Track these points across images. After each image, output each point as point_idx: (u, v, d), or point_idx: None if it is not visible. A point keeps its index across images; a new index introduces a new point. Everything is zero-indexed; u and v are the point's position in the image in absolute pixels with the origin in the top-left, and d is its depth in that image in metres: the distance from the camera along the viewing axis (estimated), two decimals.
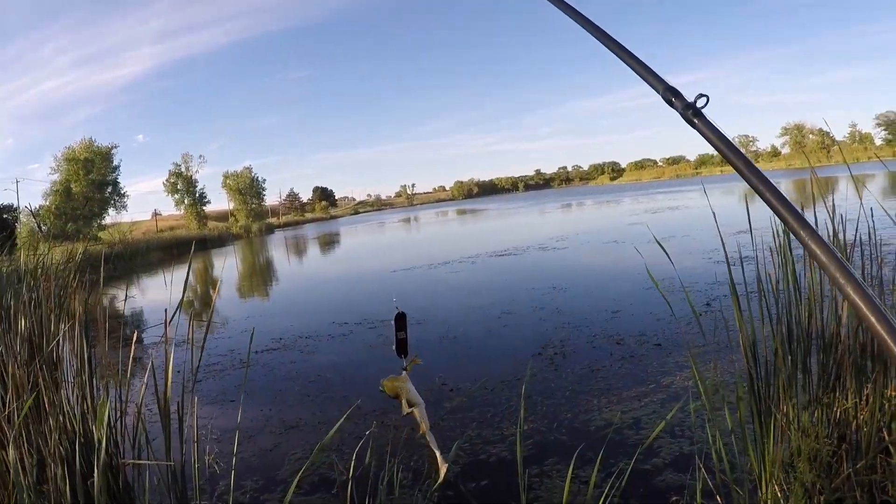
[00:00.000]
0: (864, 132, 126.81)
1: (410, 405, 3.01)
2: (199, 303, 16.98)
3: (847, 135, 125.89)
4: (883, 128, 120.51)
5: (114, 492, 3.42)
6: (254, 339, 11.30)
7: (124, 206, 70.58)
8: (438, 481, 2.80)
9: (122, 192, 69.96)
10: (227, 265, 36.05)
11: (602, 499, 3.32)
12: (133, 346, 3.62)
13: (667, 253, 3.60)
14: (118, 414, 3.63)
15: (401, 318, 3.07)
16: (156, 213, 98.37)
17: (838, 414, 3.63)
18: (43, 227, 57.50)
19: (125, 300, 18.07)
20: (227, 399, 7.95)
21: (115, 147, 68.80)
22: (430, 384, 7.81)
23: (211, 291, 21.00)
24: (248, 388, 8.43)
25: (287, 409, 7.41)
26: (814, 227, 0.93)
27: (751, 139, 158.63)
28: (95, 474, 2.83)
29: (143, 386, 3.56)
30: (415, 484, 4.96)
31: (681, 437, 5.36)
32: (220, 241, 62.76)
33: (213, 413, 7.36)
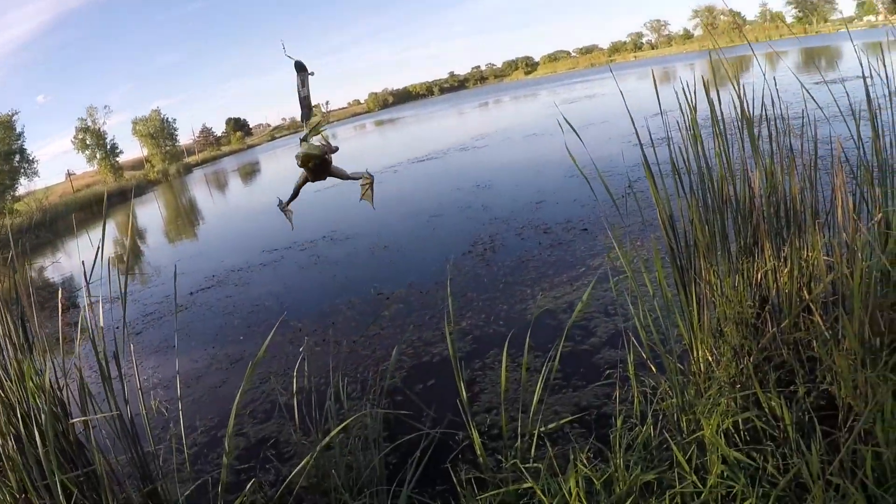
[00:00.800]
0: (774, 11, 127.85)
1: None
2: (129, 255, 16.63)
3: (758, 14, 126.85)
4: (793, 5, 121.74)
5: (69, 454, 3.42)
6: (188, 280, 11.21)
7: (35, 173, 67.50)
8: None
9: (31, 158, 66.89)
10: (151, 212, 35.30)
11: (541, 380, 3.43)
12: (61, 312, 3.56)
13: (581, 140, 3.64)
14: (62, 379, 3.60)
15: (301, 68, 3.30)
16: (69, 174, 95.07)
17: (759, 278, 3.78)
18: None
19: (51, 264, 17.64)
20: (170, 346, 7.89)
21: (16, 113, 65.55)
22: (365, 295, 7.87)
23: (139, 242, 20.55)
24: (190, 329, 8.37)
25: (230, 344, 7.41)
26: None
27: (662, 23, 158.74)
28: (47, 440, 2.82)
29: (83, 348, 3.53)
30: (363, 393, 5.05)
31: (614, 316, 5.54)
32: (140, 189, 61.04)
33: (159, 361, 7.33)
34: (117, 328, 3.67)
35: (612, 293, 5.91)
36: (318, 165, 4.80)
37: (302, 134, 4.15)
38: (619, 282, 5.70)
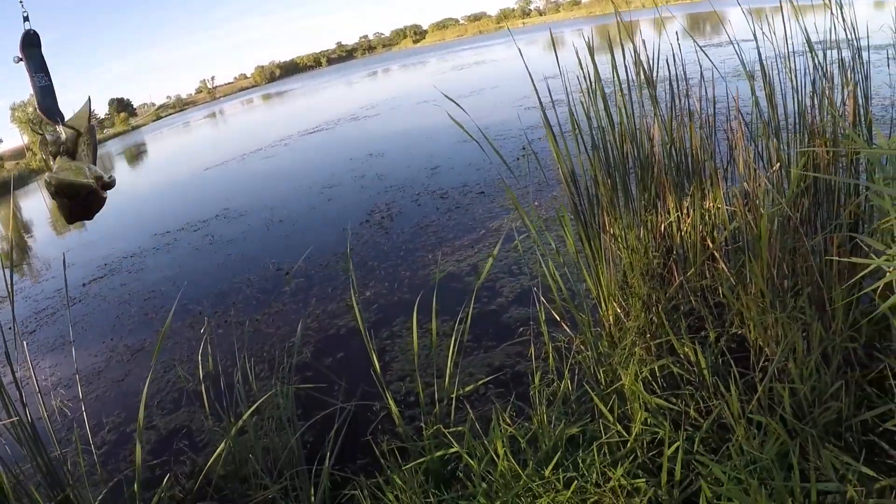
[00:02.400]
0: None
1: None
2: (16, 251, 15.78)
3: None
4: None
5: None
6: (81, 270, 10.77)
7: None
8: None
9: None
10: (36, 203, 33.84)
11: (452, 345, 3.38)
12: None
13: (462, 108, 3.59)
14: None
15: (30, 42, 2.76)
16: None
17: (663, 229, 3.83)
18: None
19: None
20: (66, 342, 7.52)
21: None
22: (264, 272, 7.71)
23: (24, 235, 19.63)
24: (86, 322, 7.99)
25: (129, 335, 7.11)
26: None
27: None
28: None
29: None
30: (272, 373, 4.92)
31: (519, 275, 5.56)
32: (22, 179, 58.60)
33: (56, 360, 6.98)
34: (8, 328, 3.46)
35: (514, 253, 5.93)
36: (83, 202, 2.88)
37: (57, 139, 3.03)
38: (523, 241, 5.70)
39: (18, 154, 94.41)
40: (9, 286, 3.18)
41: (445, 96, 3.69)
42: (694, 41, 3.94)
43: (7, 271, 3.25)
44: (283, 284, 7.07)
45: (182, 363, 5.66)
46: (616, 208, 3.77)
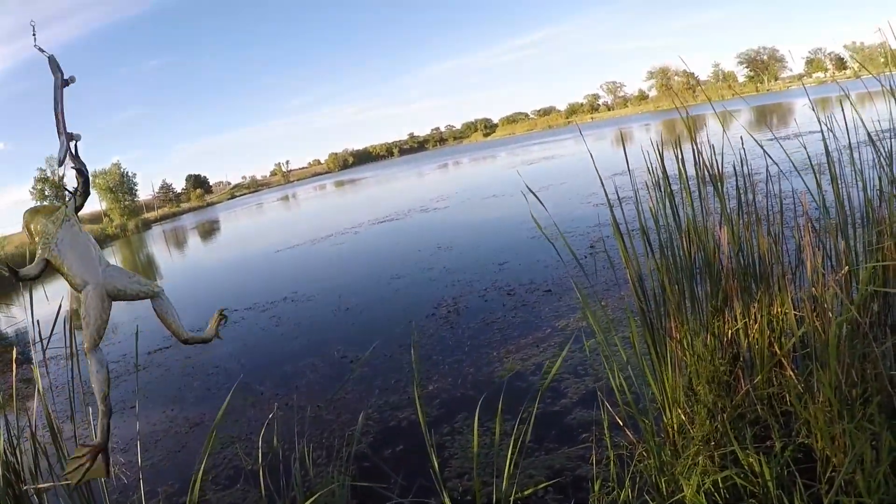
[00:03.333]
0: (727, 71, 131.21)
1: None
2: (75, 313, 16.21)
3: (711, 74, 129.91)
4: (745, 65, 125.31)
5: None
6: (147, 338, 10.94)
7: None
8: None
9: None
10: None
11: (513, 445, 3.35)
12: (14, 369, 3.44)
13: (540, 200, 3.63)
14: (14, 441, 3.46)
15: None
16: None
17: (730, 335, 3.78)
18: None
19: (5, 316, 17.26)
20: (126, 406, 7.67)
21: None
22: (329, 358, 7.76)
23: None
24: (148, 390, 8.14)
25: (189, 407, 7.22)
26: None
27: (618, 85, 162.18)
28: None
29: (35, 407, 3.40)
30: (329, 460, 4.92)
31: (584, 376, 5.50)
32: (98, 244, 60.43)
33: (114, 423, 7.06)
34: (64, 387, 3.55)
35: (580, 354, 5.88)
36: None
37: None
38: (589, 342, 5.67)
39: (96, 218, 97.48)
40: (72, 348, 3.27)
41: (529, 188, 3.73)
42: (755, 140, 3.94)
43: (75, 336, 3.35)
44: (347, 373, 7.10)
45: (240, 441, 5.70)
46: (683, 313, 3.74)
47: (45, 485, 3.24)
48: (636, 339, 3.61)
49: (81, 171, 2.91)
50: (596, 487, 3.13)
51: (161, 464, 5.76)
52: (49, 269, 3.08)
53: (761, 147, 3.86)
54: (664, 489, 3.13)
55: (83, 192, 2.98)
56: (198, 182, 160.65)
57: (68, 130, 2.80)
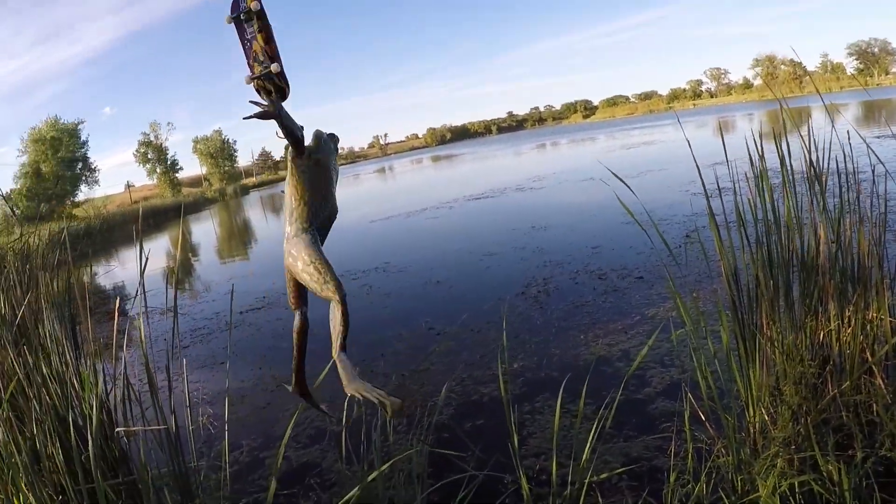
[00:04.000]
0: (835, 62, 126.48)
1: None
2: (181, 269, 16.89)
3: (819, 65, 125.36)
4: (854, 57, 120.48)
5: (111, 462, 3.45)
6: (238, 299, 11.29)
7: (96, 182, 69.85)
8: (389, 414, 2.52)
9: (93, 167, 69.25)
10: (206, 230, 35.85)
11: (593, 430, 3.37)
12: (116, 319, 3.61)
13: (632, 190, 3.60)
14: (108, 386, 3.64)
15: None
16: (129, 185, 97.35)
17: (821, 337, 3.70)
18: (16, 211, 56.88)
19: (105, 273, 18.01)
20: (216, 362, 7.96)
21: (82, 123, 67.87)
22: (416, 330, 7.88)
23: (191, 257, 20.89)
24: (237, 348, 8.43)
25: (277, 367, 7.43)
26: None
27: (722, 71, 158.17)
28: (90, 445, 2.83)
29: (130, 356, 3.58)
30: (409, 429, 5.02)
31: (670, 367, 5.46)
32: (196, 206, 62.19)
33: (204, 377, 7.39)
34: (165, 339, 3.71)
35: (667, 344, 5.84)
36: None
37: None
38: (678, 333, 5.62)
39: (196, 182, 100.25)
40: (173, 301, 3.41)
41: (614, 175, 3.73)
42: (861, 137, 3.84)
43: (173, 289, 3.48)
44: (433, 344, 7.21)
45: (324, 404, 5.85)
46: (775, 310, 3.69)
47: (135, 428, 3.41)
48: (725, 333, 3.57)
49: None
50: (671, 479, 3.13)
51: (246, 418, 5.98)
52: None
53: (867, 144, 3.76)
54: (739, 488, 3.12)
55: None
56: None
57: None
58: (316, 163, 2.96)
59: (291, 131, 2.79)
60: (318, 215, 3.11)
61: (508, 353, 6.43)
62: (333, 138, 3.15)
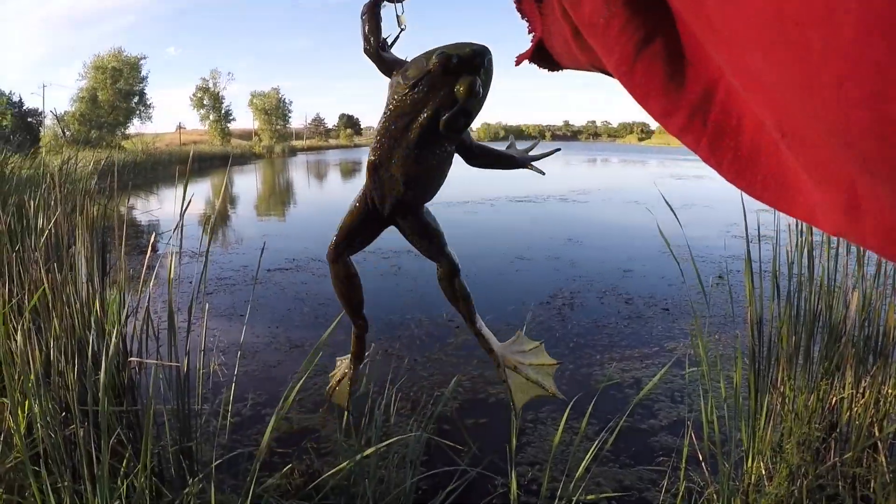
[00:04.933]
0: None
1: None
2: (217, 217, 17.15)
3: None
4: None
5: (118, 389, 3.54)
6: (268, 258, 11.43)
7: (149, 118, 71.17)
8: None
9: (148, 103, 70.49)
10: (248, 183, 36.12)
11: (592, 450, 3.41)
12: (148, 254, 3.70)
13: (679, 221, 3.62)
14: (128, 317, 3.72)
15: None
16: (180, 127, 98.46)
17: (833, 402, 3.70)
18: (67, 133, 57.94)
19: (144, 210, 18.26)
20: (236, 314, 8.08)
21: (144, 58, 69.04)
22: (436, 318, 7.92)
23: (229, 208, 21.12)
24: (258, 304, 8.55)
25: (294, 329, 7.54)
26: None
27: None
28: (102, 369, 2.90)
29: (154, 292, 3.65)
30: (412, 413, 5.08)
31: (679, 403, 5.47)
32: (243, 159, 62.89)
33: (222, 325, 7.51)
34: (191, 282, 3.79)
35: (680, 380, 5.85)
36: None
37: None
38: (691, 371, 5.63)
39: (246, 136, 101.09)
40: (206, 249, 3.48)
41: (664, 199, 3.74)
42: None
43: (207, 236, 3.55)
44: (451, 336, 7.26)
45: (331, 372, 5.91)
46: (793, 366, 3.70)
47: (148, 360, 3.48)
48: (739, 380, 3.59)
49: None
50: None
51: (255, 373, 6.10)
52: None
53: None
54: None
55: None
56: (349, 122, 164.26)
57: None
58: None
59: None
60: None
61: None
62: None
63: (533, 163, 1.78)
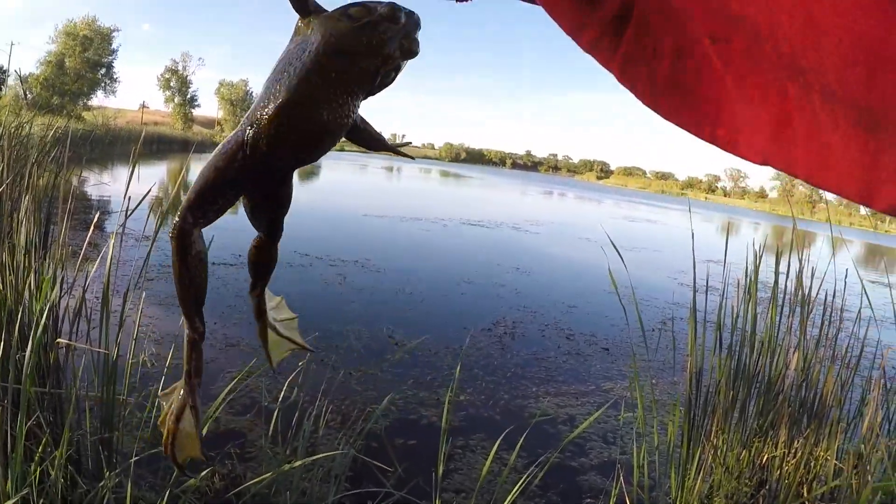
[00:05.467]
0: None
1: None
2: (168, 202, 16.84)
3: (836, 196, 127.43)
4: None
5: (43, 370, 3.40)
6: (214, 251, 11.16)
7: (114, 92, 70.47)
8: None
9: (115, 76, 69.68)
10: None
11: (520, 483, 3.35)
12: (91, 230, 3.58)
13: (624, 263, 3.60)
14: (62, 295, 3.59)
15: None
16: (143, 106, 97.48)
17: (765, 459, 3.71)
18: (28, 95, 57.05)
19: (96, 185, 17.91)
20: (174, 304, 7.87)
21: (117, 30, 68.56)
22: (376, 333, 7.84)
23: (182, 194, 20.83)
24: None
25: (232, 326, 7.39)
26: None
27: (742, 174, 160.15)
28: (28, 346, 2.78)
29: (94, 272, 3.54)
30: (342, 426, 5.00)
31: (612, 444, 5.45)
32: (203, 147, 62.37)
33: (158, 314, 7.33)
34: (132, 265, 3.68)
35: (614, 421, 5.84)
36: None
37: None
38: (626, 414, 5.63)
39: (209, 124, 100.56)
40: (154, 231, 3.38)
41: (612, 243, 3.73)
42: (859, 276, 3.87)
43: (157, 220, 3.45)
44: (389, 352, 7.17)
45: (265, 377, 5.79)
46: (728, 420, 3.70)
47: (77, 344, 3.36)
48: (673, 429, 3.58)
49: None
50: None
51: None
52: None
53: (862, 285, 3.78)
54: None
55: None
56: None
57: None
58: None
59: None
60: None
61: (459, 383, 6.41)
62: None
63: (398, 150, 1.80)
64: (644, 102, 0.55)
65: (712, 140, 0.52)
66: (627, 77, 0.55)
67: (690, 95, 0.52)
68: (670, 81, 0.52)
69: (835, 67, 0.38)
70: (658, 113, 0.55)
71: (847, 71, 0.38)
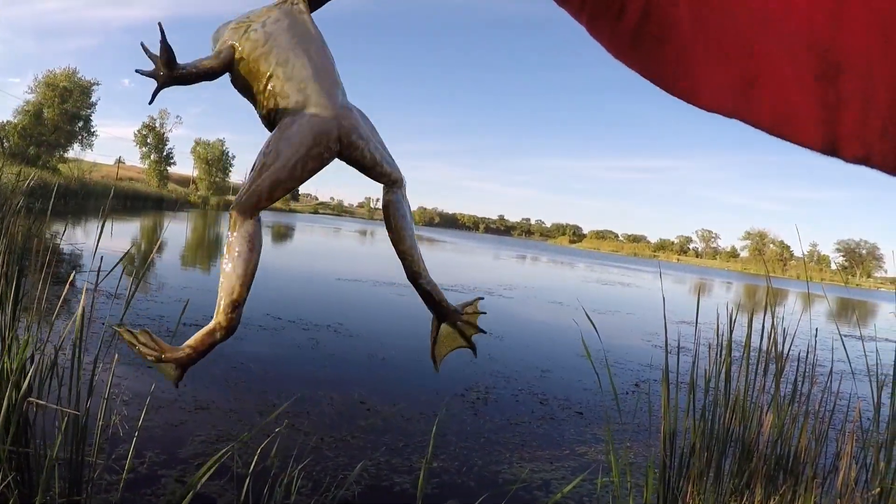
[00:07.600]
0: (822, 254, 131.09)
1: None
2: (140, 260, 16.74)
3: (806, 253, 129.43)
4: (841, 254, 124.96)
5: (9, 428, 3.33)
6: (187, 311, 11.15)
7: (90, 145, 70.58)
8: None
9: (93, 130, 69.83)
10: (178, 230, 35.58)
11: None
12: (66, 287, 3.54)
13: (596, 328, 3.61)
14: (33, 351, 3.53)
15: None
16: (119, 161, 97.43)
17: None
18: (5, 144, 57.30)
19: (68, 245, 17.79)
20: (145, 364, 7.77)
21: (97, 84, 68.87)
22: (348, 399, 7.75)
23: (155, 253, 20.75)
24: None
25: (202, 389, 7.27)
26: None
27: (713, 235, 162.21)
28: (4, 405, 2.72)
29: (67, 328, 3.49)
30: (313, 493, 4.90)
31: None
32: (177, 205, 62.57)
33: (128, 374, 7.19)
34: (104, 323, 3.64)
35: (590, 486, 5.77)
36: None
37: None
38: (603, 480, 5.58)
39: (184, 182, 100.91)
40: (129, 293, 3.34)
41: (584, 310, 3.73)
42: (835, 333, 3.90)
43: (131, 281, 3.41)
44: (362, 418, 7.09)
45: (237, 442, 5.69)
46: (703, 482, 3.67)
47: (46, 404, 3.29)
48: (649, 492, 3.53)
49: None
50: None
51: (156, 430, 5.81)
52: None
53: (834, 341, 3.81)
54: None
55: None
56: None
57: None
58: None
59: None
60: None
61: (432, 449, 6.33)
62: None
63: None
64: (611, 54, 0.59)
65: (674, 91, 0.55)
66: (594, 32, 0.60)
67: (655, 52, 0.56)
68: (635, 40, 0.56)
69: (802, 12, 0.40)
70: (624, 64, 0.59)
71: (814, 14, 0.40)
